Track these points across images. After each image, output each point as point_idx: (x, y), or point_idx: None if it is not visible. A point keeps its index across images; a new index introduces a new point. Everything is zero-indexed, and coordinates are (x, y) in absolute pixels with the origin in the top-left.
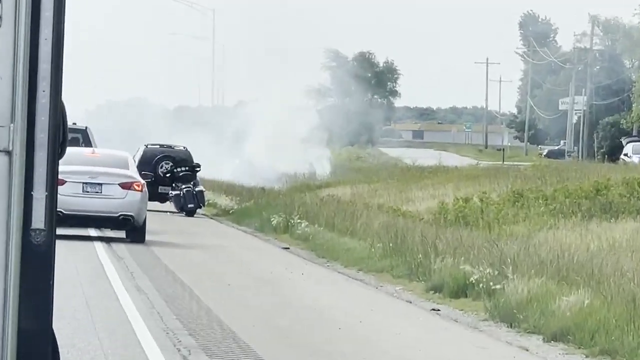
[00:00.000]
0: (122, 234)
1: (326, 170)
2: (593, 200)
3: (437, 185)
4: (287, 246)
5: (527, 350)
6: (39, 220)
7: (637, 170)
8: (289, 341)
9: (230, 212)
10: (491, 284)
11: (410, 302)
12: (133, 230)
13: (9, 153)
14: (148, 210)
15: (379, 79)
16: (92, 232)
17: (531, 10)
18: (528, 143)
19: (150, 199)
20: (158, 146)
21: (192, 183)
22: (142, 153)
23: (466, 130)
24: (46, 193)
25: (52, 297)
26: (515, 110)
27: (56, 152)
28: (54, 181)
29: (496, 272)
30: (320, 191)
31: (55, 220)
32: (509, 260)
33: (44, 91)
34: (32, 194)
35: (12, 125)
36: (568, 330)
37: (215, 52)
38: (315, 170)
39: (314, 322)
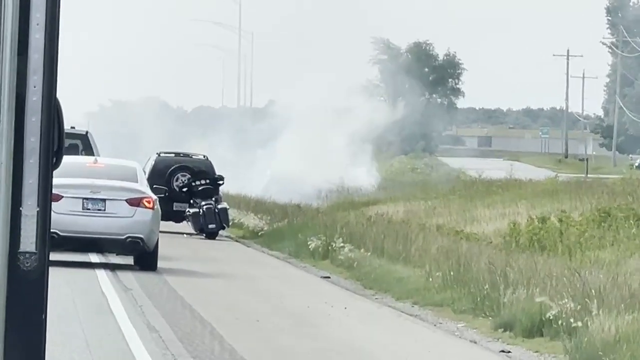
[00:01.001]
0: (129, 260)
1: (372, 183)
2: None
3: (507, 203)
4: (328, 275)
5: None
6: (28, 242)
7: None
8: None
9: (260, 234)
10: (572, 320)
11: (475, 343)
12: (143, 255)
13: None
14: (161, 232)
15: (438, 74)
16: (94, 257)
17: None
18: (616, 152)
19: (163, 218)
20: (173, 155)
21: (213, 199)
22: (153, 163)
23: (542, 136)
24: (37, 209)
25: (45, 335)
26: (601, 113)
27: (50, 161)
28: (47, 196)
29: (578, 307)
30: (367, 209)
31: (48, 243)
32: (593, 292)
33: (35, 87)
34: (20, 211)
35: None
36: None
37: (242, 42)
38: (359, 184)
39: None
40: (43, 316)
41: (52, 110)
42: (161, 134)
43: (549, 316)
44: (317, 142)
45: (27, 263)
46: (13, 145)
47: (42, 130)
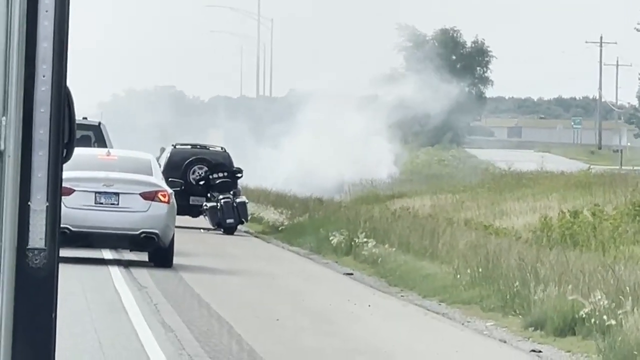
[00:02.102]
0: (144, 256)
1: (397, 176)
2: None
3: (538, 196)
4: (351, 271)
5: None
6: (37, 237)
7: None
8: None
9: (280, 228)
10: (605, 318)
11: (505, 342)
12: (158, 251)
13: (0, 154)
14: (176, 227)
15: (465, 62)
16: (107, 254)
17: None
18: None
19: (179, 213)
20: (189, 146)
21: (231, 192)
22: (169, 155)
23: (575, 126)
24: (47, 204)
25: (54, 335)
26: (635, 102)
27: (60, 154)
28: (56, 189)
29: (612, 305)
30: (392, 202)
31: (58, 239)
32: (627, 289)
33: (44, 76)
34: (29, 205)
35: (4, 118)
36: None
37: (261, 29)
38: (384, 176)
39: None
40: (53, 315)
41: (61, 101)
42: (177, 125)
43: (582, 314)
44: (339, 133)
45: (36, 260)
46: (21, 137)
47: (52, 122)
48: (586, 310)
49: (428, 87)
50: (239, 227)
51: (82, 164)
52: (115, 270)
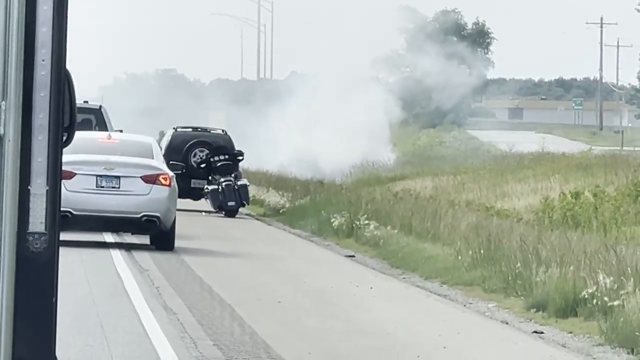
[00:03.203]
0: (145, 239)
1: (398, 158)
2: None
3: (539, 177)
4: (352, 254)
5: None
6: (38, 221)
7: None
8: None
9: (281, 211)
10: (607, 299)
11: (507, 323)
12: (159, 234)
13: (0, 138)
14: (178, 210)
15: (466, 44)
16: (109, 237)
17: None
18: None
19: (180, 196)
20: (190, 129)
21: (233, 175)
22: (170, 138)
23: (576, 107)
24: (47, 188)
25: (55, 318)
26: (636, 83)
27: (59, 138)
28: (56, 173)
29: (614, 285)
30: (394, 184)
31: (58, 222)
32: (629, 270)
33: (43, 61)
34: (29, 190)
35: (3, 103)
36: None
37: (262, 12)
38: (384, 158)
39: (386, 350)
40: (53, 299)
41: (61, 85)
42: (178, 107)
43: (584, 295)
44: (340, 115)
45: (37, 244)
46: (21, 122)
47: (51, 106)
48: (588, 291)
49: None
50: (240, 209)
51: (83, 147)
52: (116, 254)
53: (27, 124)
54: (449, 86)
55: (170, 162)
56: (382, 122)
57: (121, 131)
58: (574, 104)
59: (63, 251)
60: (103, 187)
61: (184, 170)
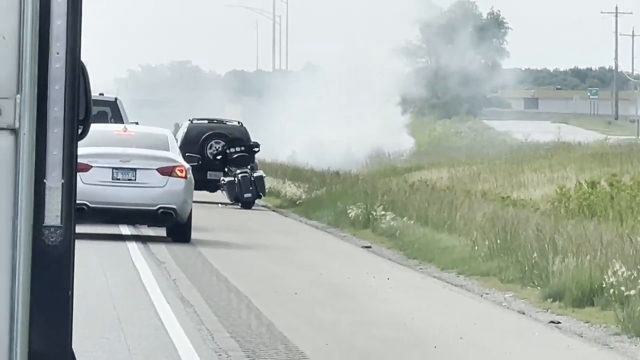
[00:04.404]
0: (162, 231)
1: (413, 148)
2: None
3: (555, 167)
4: (369, 245)
5: None
6: (53, 215)
7: None
8: None
9: (297, 202)
10: (623, 289)
11: (524, 313)
12: (175, 227)
13: (15, 132)
14: (194, 202)
15: (481, 34)
16: (125, 229)
17: None
18: None
19: (196, 188)
20: (206, 121)
21: (249, 167)
22: (186, 130)
23: (591, 97)
24: (62, 181)
25: (71, 311)
26: None
27: (75, 130)
28: (72, 166)
29: (631, 275)
30: (410, 175)
31: (74, 215)
32: None
33: (58, 54)
34: (44, 183)
35: (18, 96)
36: None
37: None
38: (400, 149)
39: (403, 341)
40: (69, 293)
41: (76, 78)
42: (193, 99)
43: (601, 285)
44: (355, 106)
45: (52, 237)
46: (36, 115)
47: (66, 99)
48: (605, 281)
49: (444, 59)
50: (256, 201)
51: (99, 140)
52: (133, 246)
53: (42, 117)
54: (464, 77)
55: (186, 154)
56: (397, 113)
57: (137, 123)
58: (589, 94)
59: (79, 244)
60: (119, 179)
61: (199, 162)
